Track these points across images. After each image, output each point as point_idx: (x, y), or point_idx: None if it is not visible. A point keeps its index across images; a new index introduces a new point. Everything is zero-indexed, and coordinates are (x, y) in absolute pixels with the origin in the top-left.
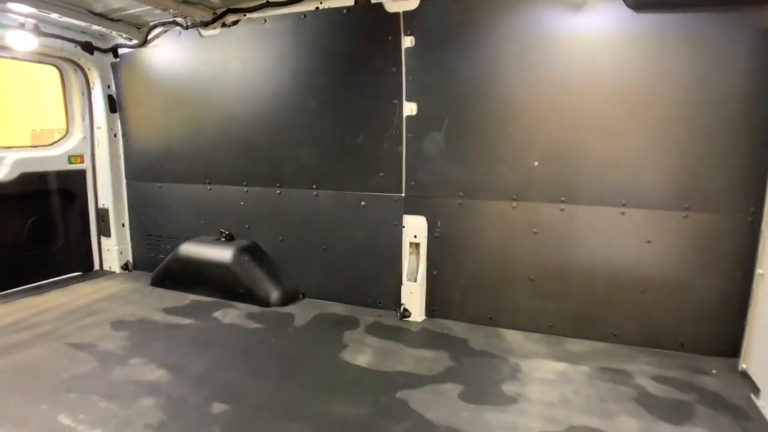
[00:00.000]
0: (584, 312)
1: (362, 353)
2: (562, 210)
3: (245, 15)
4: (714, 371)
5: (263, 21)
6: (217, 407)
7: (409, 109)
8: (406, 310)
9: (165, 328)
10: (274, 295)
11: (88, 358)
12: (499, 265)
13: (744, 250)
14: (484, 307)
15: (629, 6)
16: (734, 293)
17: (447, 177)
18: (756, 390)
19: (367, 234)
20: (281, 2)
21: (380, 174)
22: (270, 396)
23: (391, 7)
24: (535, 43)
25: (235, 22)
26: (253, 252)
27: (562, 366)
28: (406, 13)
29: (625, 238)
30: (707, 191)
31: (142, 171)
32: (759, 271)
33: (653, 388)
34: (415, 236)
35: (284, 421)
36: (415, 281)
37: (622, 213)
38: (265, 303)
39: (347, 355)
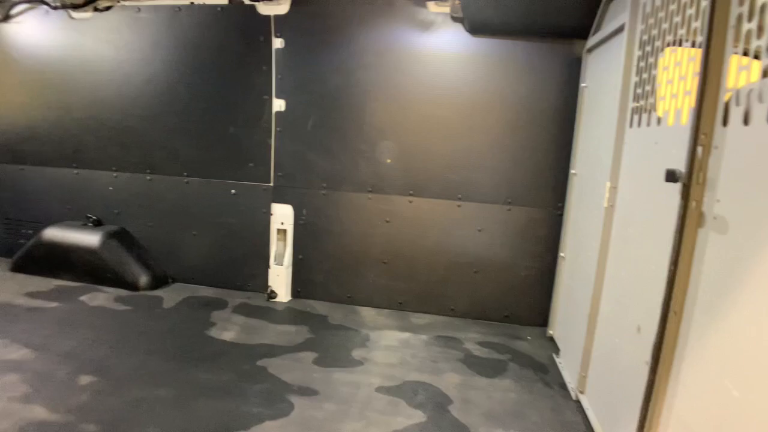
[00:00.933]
0: (428, 290)
1: (228, 330)
2: (410, 202)
3: (119, 1)
4: (529, 337)
5: (137, 9)
6: (84, 379)
7: (278, 105)
8: (272, 291)
9: (27, 311)
10: (143, 279)
11: None
12: (358, 250)
13: (553, 237)
14: (344, 287)
15: (467, 30)
16: (546, 272)
17: (312, 169)
18: (557, 350)
19: (237, 221)
20: None
21: (250, 164)
22: (137, 368)
23: (263, 10)
24: (390, 55)
25: (108, 8)
26: (121, 237)
27: (405, 335)
28: (277, 16)
29: (461, 227)
30: (526, 189)
31: (2, 152)
32: (561, 254)
33: (477, 351)
34: (282, 223)
35: (151, 387)
36: (282, 265)
37: (459, 206)
38: (133, 287)
39: (213, 332)
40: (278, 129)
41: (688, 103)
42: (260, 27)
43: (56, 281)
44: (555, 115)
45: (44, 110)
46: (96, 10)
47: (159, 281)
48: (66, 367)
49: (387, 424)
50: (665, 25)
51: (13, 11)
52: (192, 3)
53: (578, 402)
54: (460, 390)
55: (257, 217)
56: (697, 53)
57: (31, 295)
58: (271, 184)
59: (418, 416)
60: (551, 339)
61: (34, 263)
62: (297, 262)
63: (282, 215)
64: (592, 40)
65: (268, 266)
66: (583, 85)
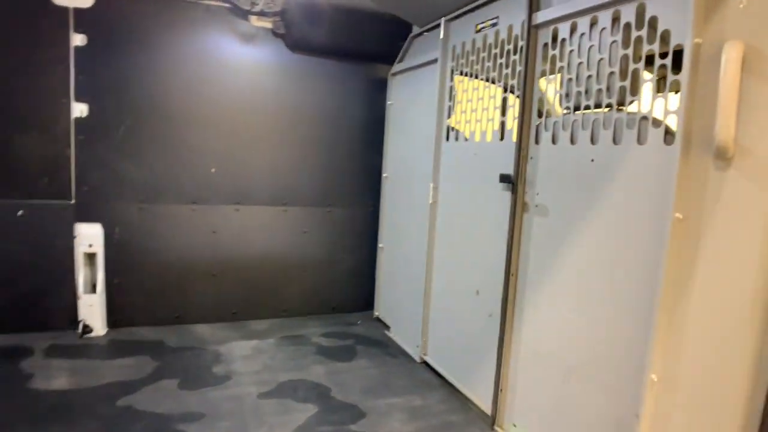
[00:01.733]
0: (260, 296)
1: (55, 378)
2: (237, 210)
3: None
4: (359, 322)
5: None
6: None
7: (79, 110)
8: (86, 325)
9: None
10: None
11: None
12: (183, 266)
13: (370, 232)
14: (172, 307)
15: (287, 46)
16: (366, 263)
17: (125, 181)
18: (387, 327)
19: (28, 248)
20: None
21: (44, 179)
22: None
23: (60, 1)
24: (212, 62)
25: None
26: None
27: (253, 342)
28: (77, 9)
29: (288, 231)
30: (344, 191)
31: None
32: (380, 245)
33: (325, 342)
34: (91, 245)
35: None
36: (94, 293)
37: (285, 211)
38: None
39: (38, 384)
40: (80, 137)
41: (513, 126)
42: (55, 20)
43: None
44: (367, 126)
45: None
46: None
47: None
48: None
49: (289, 423)
50: (477, 66)
51: None
52: None
53: (424, 362)
54: (330, 378)
55: (56, 240)
56: (498, 91)
57: None
58: (73, 201)
59: (310, 408)
60: (378, 319)
61: None
62: (112, 288)
63: (89, 236)
64: (397, 67)
65: (75, 297)
66: (389, 102)
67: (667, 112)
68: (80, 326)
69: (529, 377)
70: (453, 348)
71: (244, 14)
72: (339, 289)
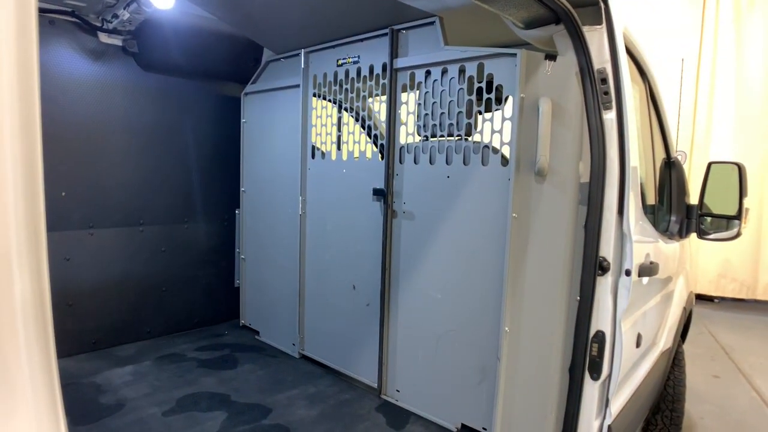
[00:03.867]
0: (121, 321)
1: None
2: (91, 235)
3: None
4: (226, 332)
5: None
6: None
7: None
8: None
9: None
10: None
11: None
12: None
13: (227, 244)
14: None
15: (139, 65)
16: (225, 275)
17: None
18: (256, 332)
19: None
20: None
21: None
22: None
23: None
24: (57, 80)
25: None
26: None
27: (128, 368)
28: None
29: (146, 250)
30: (201, 206)
31: None
32: (242, 256)
33: (203, 355)
34: None
35: None
36: None
37: (141, 231)
38: None
39: None
40: None
41: (376, 149)
42: None
43: None
44: (221, 143)
45: None
46: None
47: None
48: None
49: None
50: (340, 96)
51: None
52: None
53: (303, 356)
54: (223, 385)
55: None
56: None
57: None
58: None
59: (220, 415)
60: (245, 326)
61: None
62: None
63: None
64: (251, 87)
65: None
66: (243, 120)
67: (501, 143)
68: None
69: (406, 350)
70: (332, 339)
71: (94, 30)
72: (201, 303)
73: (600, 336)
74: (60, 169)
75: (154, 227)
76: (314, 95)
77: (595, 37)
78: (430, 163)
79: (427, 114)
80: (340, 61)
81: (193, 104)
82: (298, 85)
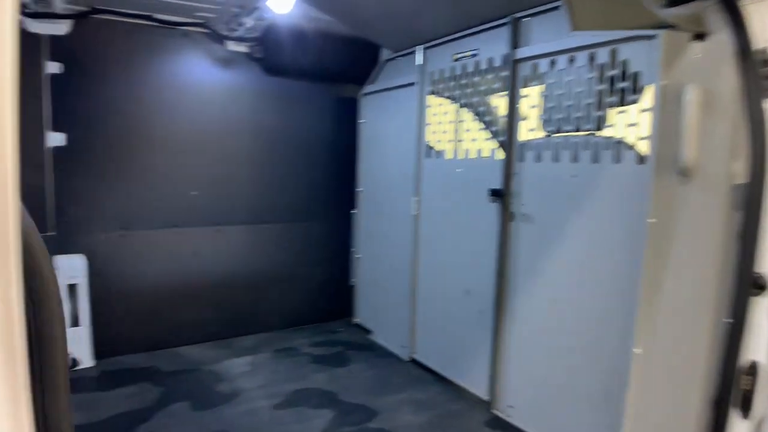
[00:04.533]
0: (244, 313)
1: None
2: (218, 231)
3: None
4: (341, 329)
5: None
6: None
7: (56, 139)
8: (74, 359)
9: None
10: None
11: None
12: (167, 290)
13: (344, 243)
14: (157, 332)
15: (264, 70)
16: (341, 273)
17: (105, 210)
18: (369, 332)
19: None
20: None
21: None
22: None
23: (34, 28)
24: (190, 87)
25: None
26: None
27: (248, 358)
28: (54, 37)
29: (268, 247)
30: (320, 206)
31: None
32: (357, 255)
33: (316, 351)
34: (73, 277)
35: None
36: (80, 326)
37: (264, 228)
38: None
39: None
40: (57, 167)
41: (495, 147)
42: (29, 47)
43: None
44: (339, 144)
45: None
46: None
47: None
48: None
49: (312, 429)
50: (457, 92)
51: None
52: None
53: (413, 360)
54: (333, 383)
55: None
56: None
57: None
58: (52, 233)
59: (327, 413)
60: (358, 325)
61: None
62: (97, 319)
63: (70, 268)
64: (369, 88)
65: None
66: (361, 120)
67: (638, 138)
68: (68, 360)
69: (522, 364)
70: (443, 345)
71: (222, 39)
72: (318, 299)
73: (754, 367)
74: (192, 170)
75: (276, 225)
76: (430, 93)
77: (756, 12)
78: (554, 160)
79: (552, 107)
80: (457, 56)
81: (313, 106)
82: (413, 83)
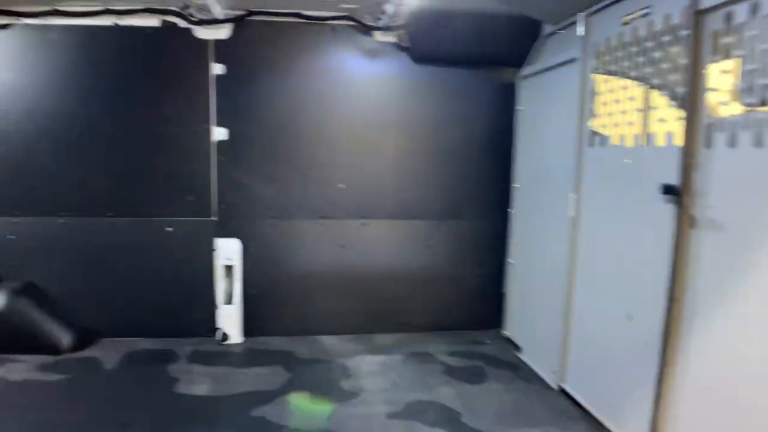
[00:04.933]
0: (386, 309)
1: (197, 383)
2: (363, 225)
3: (20, 19)
4: (488, 341)
5: (46, 29)
6: None
7: (220, 133)
8: (225, 334)
9: None
10: (65, 339)
11: None
12: (312, 279)
13: (497, 245)
14: (300, 318)
15: (412, 59)
16: (493, 278)
17: (259, 199)
18: (518, 348)
19: (175, 261)
20: (70, 12)
21: (188, 198)
22: None
23: (201, 34)
24: (337, 81)
25: (6, 26)
26: (30, 293)
27: (380, 358)
28: (217, 41)
29: (413, 244)
30: (470, 203)
31: None
32: (510, 260)
33: (452, 361)
34: (229, 258)
35: None
36: (232, 304)
37: (409, 224)
38: (55, 350)
39: (182, 388)
40: (220, 158)
41: (675, 129)
42: (198, 52)
43: None
44: (493, 134)
45: None
46: None
47: (85, 339)
48: None
49: None
50: (626, 63)
51: None
52: (116, 24)
53: (561, 390)
54: (459, 400)
55: (199, 254)
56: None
57: None
58: (214, 218)
59: None
60: (507, 339)
61: None
62: (248, 299)
63: (228, 250)
64: (527, 69)
65: (214, 307)
66: (519, 107)
67: None
68: (219, 334)
69: (697, 417)
70: (597, 376)
71: (369, 31)
72: (464, 305)
73: None
74: (339, 163)
75: (423, 222)
76: (594, 69)
77: None
78: (756, 145)
79: (753, 70)
80: (626, 18)
81: (465, 94)
82: (574, 60)
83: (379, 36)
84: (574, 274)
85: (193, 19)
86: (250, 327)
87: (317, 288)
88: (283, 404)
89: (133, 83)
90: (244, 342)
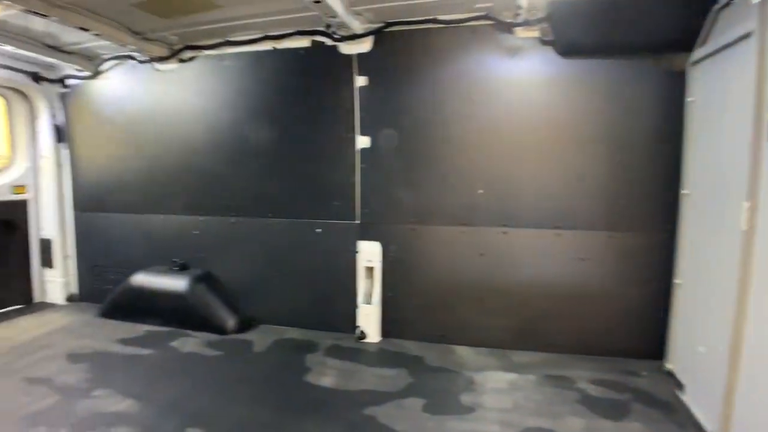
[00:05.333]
0: (527, 325)
1: (325, 375)
2: (504, 233)
3: (202, 51)
4: (644, 373)
5: (221, 58)
6: None
7: (363, 142)
8: (362, 332)
9: (124, 359)
10: (231, 322)
11: (48, 392)
12: (450, 286)
13: (663, 262)
14: (437, 325)
15: (558, 53)
16: (656, 301)
17: (399, 204)
18: (680, 386)
19: (322, 260)
20: (239, 42)
21: (335, 202)
22: (243, 419)
23: (345, 50)
24: (478, 83)
25: (192, 58)
26: (208, 280)
27: (511, 376)
28: (360, 55)
29: (561, 257)
30: (629, 213)
31: (91, 201)
32: (676, 281)
33: (593, 390)
34: (370, 261)
35: None
36: (371, 304)
37: (557, 234)
38: (221, 330)
39: (311, 378)
40: (363, 166)
41: None
42: (343, 66)
43: (145, 327)
44: (656, 133)
45: (132, 160)
46: (181, 61)
47: (245, 324)
48: (172, 420)
49: None
50: None
51: (103, 67)
52: (274, 48)
53: None
54: None
55: (343, 255)
56: None
57: (124, 342)
58: (357, 222)
59: None
60: (670, 373)
61: (122, 309)
62: (386, 301)
63: (369, 252)
64: (699, 52)
65: (355, 305)
66: (689, 99)
67: None
68: (357, 332)
69: None
70: None
71: (509, 28)
72: (619, 328)
73: None
74: (478, 168)
75: (572, 232)
76: None
77: None
78: None
79: None
80: None
81: (619, 88)
82: (749, 34)
83: (520, 32)
84: (746, 302)
85: (336, 36)
86: (387, 328)
87: (455, 296)
88: (395, 408)
89: (291, 99)
90: (380, 342)
